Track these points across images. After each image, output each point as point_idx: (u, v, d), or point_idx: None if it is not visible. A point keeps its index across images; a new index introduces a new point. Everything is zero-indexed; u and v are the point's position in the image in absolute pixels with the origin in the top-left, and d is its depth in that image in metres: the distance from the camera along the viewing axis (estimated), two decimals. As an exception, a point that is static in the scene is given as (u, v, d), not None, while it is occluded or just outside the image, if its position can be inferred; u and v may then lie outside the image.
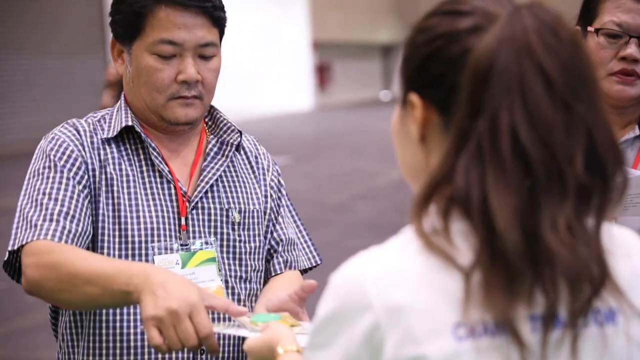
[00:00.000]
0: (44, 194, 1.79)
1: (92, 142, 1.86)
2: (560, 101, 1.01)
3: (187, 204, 1.88)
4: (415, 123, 1.09)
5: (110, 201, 1.83)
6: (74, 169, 1.81)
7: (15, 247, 1.74)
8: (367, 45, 37.63)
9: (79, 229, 1.77)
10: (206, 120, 2.01)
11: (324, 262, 2.12)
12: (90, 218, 1.81)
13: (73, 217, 1.77)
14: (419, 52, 1.08)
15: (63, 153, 1.83)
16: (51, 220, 1.75)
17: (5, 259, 1.79)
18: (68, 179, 1.80)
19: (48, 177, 1.80)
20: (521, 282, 1.01)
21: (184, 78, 1.82)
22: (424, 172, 1.09)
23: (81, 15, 19.81)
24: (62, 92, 18.28)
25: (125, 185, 1.85)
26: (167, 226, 1.85)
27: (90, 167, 1.83)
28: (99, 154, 1.85)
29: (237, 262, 1.92)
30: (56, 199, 1.78)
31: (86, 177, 1.82)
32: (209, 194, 1.92)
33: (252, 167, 2.02)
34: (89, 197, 1.82)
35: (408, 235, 1.07)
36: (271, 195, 2.03)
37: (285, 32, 31.11)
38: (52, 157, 1.82)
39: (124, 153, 1.88)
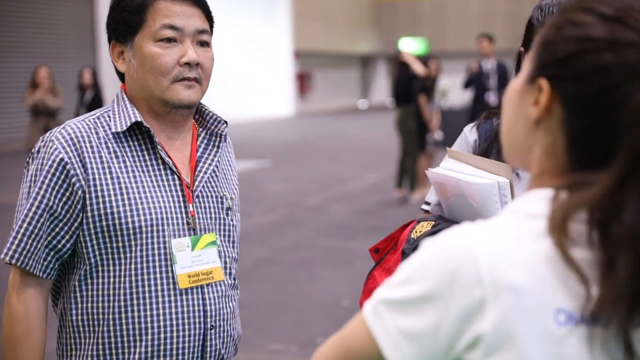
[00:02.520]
0: (34, 207, 1.89)
1: (91, 145, 1.91)
2: None
3: (191, 193, 1.98)
4: (537, 106, 1.06)
5: (119, 197, 1.89)
6: (64, 188, 1.89)
7: (5, 260, 1.91)
8: (347, 55, 37.58)
9: (58, 246, 1.91)
10: (194, 115, 2.09)
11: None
12: (74, 232, 1.91)
13: (48, 234, 1.90)
14: (565, 46, 1.03)
15: (56, 169, 1.89)
16: (28, 237, 1.89)
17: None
18: (58, 198, 1.89)
19: (39, 190, 1.89)
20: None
21: (187, 60, 1.93)
22: (524, 152, 1.08)
23: (73, 21, 20.53)
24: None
25: (132, 179, 1.92)
26: (175, 214, 1.94)
27: (85, 173, 1.89)
28: (100, 154, 1.91)
29: (230, 244, 2.06)
30: (40, 216, 1.89)
31: (80, 191, 1.89)
32: (206, 183, 2.02)
33: (230, 158, 2.15)
34: (78, 207, 1.89)
35: (522, 215, 1.04)
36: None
37: (268, 41, 31.20)
38: (45, 170, 1.89)
39: (127, 148, 1.95)
